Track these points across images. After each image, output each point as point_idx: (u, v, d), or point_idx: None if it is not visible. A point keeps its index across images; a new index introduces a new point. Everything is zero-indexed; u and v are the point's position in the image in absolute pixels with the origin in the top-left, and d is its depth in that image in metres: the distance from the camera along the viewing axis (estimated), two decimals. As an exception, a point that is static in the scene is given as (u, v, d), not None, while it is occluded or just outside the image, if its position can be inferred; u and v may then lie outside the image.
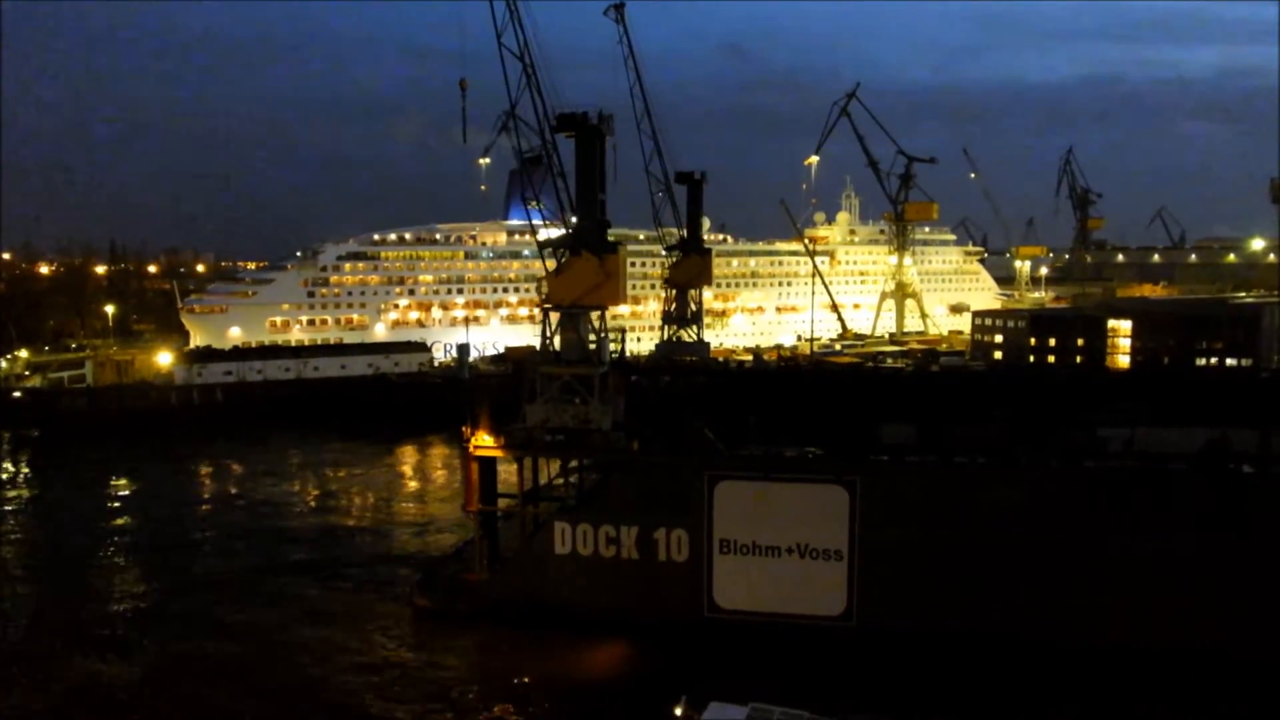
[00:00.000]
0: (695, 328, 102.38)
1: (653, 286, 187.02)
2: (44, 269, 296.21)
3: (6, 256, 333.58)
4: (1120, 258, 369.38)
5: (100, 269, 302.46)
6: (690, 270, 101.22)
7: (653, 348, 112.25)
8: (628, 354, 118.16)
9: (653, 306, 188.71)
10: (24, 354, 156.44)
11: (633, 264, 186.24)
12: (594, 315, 64.59)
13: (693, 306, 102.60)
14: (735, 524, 60.27)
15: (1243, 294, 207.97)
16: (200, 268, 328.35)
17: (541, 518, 64.97)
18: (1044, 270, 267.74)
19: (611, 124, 64.09)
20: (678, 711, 44.35)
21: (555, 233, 64.84)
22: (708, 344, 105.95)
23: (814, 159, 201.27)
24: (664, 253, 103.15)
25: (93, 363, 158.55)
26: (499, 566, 65.83)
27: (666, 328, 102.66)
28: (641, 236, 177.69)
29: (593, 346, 64.75)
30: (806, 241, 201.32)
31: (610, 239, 65.28)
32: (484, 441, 63.92)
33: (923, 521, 57.85)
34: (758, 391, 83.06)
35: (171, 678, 56.57)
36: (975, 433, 62.70)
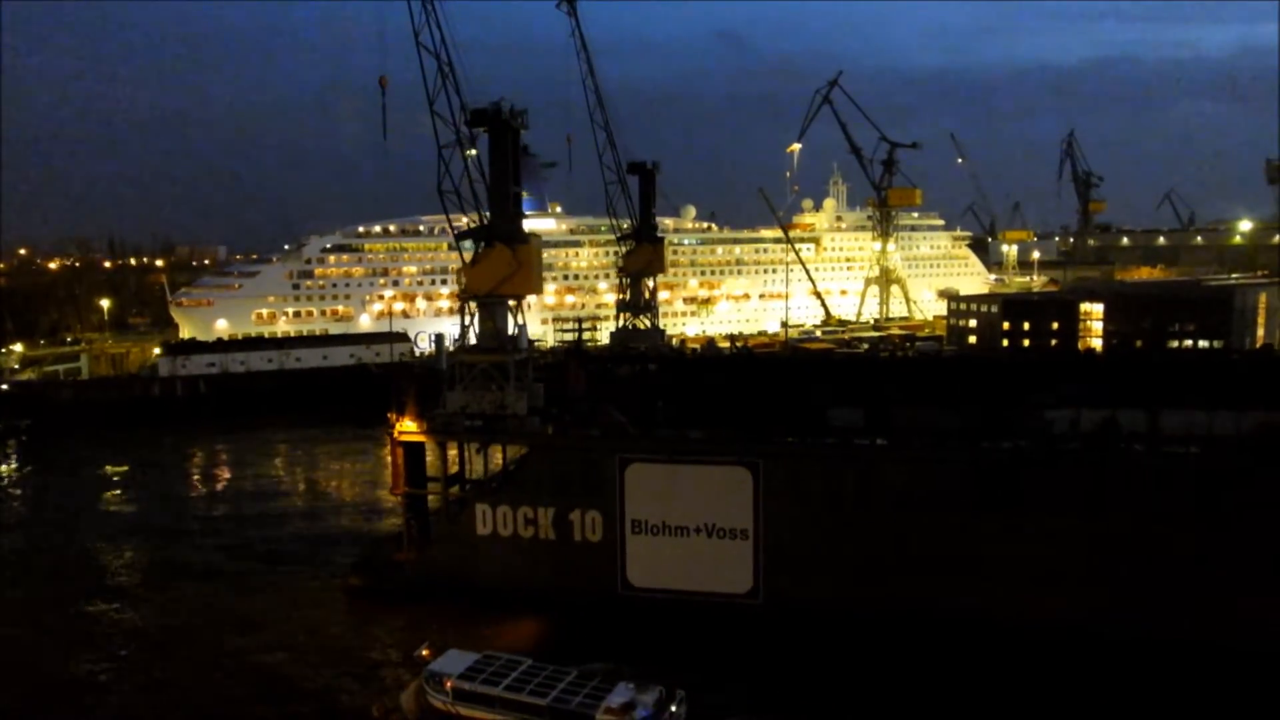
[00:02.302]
0: (648, 315, 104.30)
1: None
2: (53, 264, 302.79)
3: (23, 251, 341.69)
4: (1125, 241, 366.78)
5: (108, 264, 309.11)
6: (642, 258, 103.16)
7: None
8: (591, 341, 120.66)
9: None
10: (19, 347, 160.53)
11: (617, 253, 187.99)
12: (511, 304, 66.61)
13: (646, 295, 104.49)
14: (646, 505, 62.29)
15: (1230, 274, 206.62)
16: (207, 261, 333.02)
17: (466, 499, 67.38)
18: (1036, 254, 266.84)
19: (525, 119, 65.87)
20: (420, 654, 50.66)
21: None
22: (662, 331, 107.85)
23: (796, 146, 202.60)
24: (617, 242, 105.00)
25: (88, 356, 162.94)
26: (426, 547, 68.31)
27: (621, 316, 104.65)
28: (625, 225, 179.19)
29: (514, 334, 66.86)
30: (787, 229, 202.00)
31: (527, 231, 67.25)
32: (407, 427, 66.31)
33: (822, 502, 59.65)
34: (699, 377, 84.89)
35: (111, 645, 60.10)
36: (920, 416, 63.86)
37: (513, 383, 64.50)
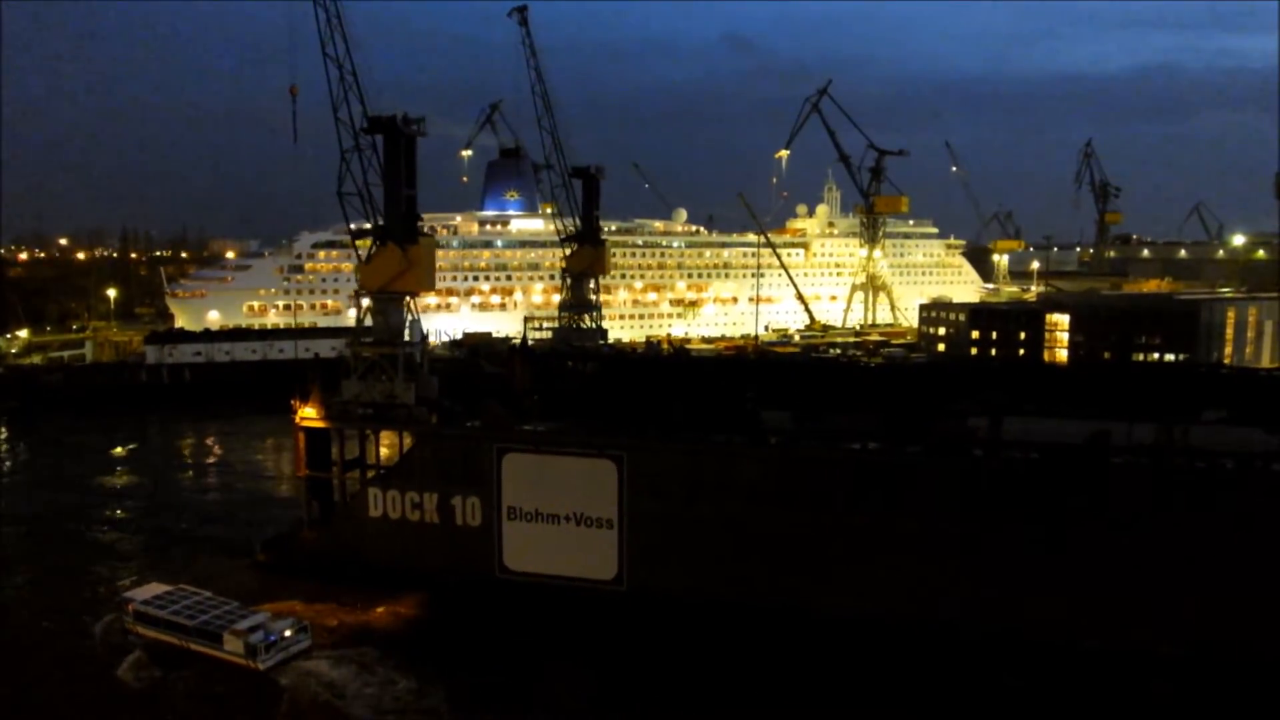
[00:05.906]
0: (590, 315, 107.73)
1: (622, 276, 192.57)
2: (80, 255, 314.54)
3: (63, 241, 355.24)
4: (1145, 253, 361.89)
5: (134, 254, 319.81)
6: (585, 260, 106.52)
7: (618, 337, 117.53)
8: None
9: (623, 295, 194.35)
10: (24, 334, 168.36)
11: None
12: (405, 300, 70.44)
13: (590, 295, 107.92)
14: (521, 492, 65.63)
15: (1219, 289, 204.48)
16: (230, 254, 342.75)
17: (361, 483, 71.40)
18: (1035, 265, 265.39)
19: (424, 126, 69.38)
20: (122, 584, 59.76)
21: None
22: (605, 331, 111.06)
23: (784, 153, 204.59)
24: (560, 244, 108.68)
25: (92, 343, 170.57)
26: (327, 527, 72.40)
27: (564, 315, 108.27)
28: (614, 227, 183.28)
29: (407, 328, 70.70)
30: (779, 234, 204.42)
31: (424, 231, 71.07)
32: (308, 413, 70.49)
33: (681, 494, 62.44)
34: (638, 377, 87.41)
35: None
36: (847, 420, 65.81)
37: (401, 374, 68.30)
